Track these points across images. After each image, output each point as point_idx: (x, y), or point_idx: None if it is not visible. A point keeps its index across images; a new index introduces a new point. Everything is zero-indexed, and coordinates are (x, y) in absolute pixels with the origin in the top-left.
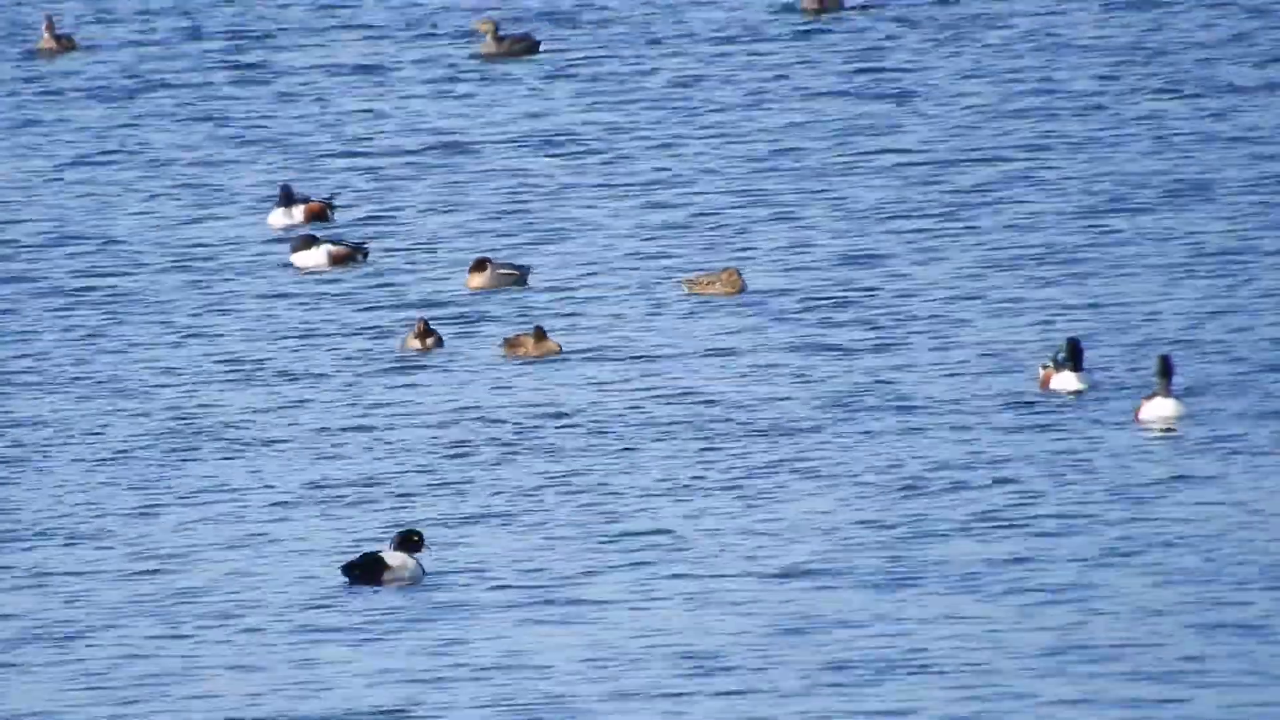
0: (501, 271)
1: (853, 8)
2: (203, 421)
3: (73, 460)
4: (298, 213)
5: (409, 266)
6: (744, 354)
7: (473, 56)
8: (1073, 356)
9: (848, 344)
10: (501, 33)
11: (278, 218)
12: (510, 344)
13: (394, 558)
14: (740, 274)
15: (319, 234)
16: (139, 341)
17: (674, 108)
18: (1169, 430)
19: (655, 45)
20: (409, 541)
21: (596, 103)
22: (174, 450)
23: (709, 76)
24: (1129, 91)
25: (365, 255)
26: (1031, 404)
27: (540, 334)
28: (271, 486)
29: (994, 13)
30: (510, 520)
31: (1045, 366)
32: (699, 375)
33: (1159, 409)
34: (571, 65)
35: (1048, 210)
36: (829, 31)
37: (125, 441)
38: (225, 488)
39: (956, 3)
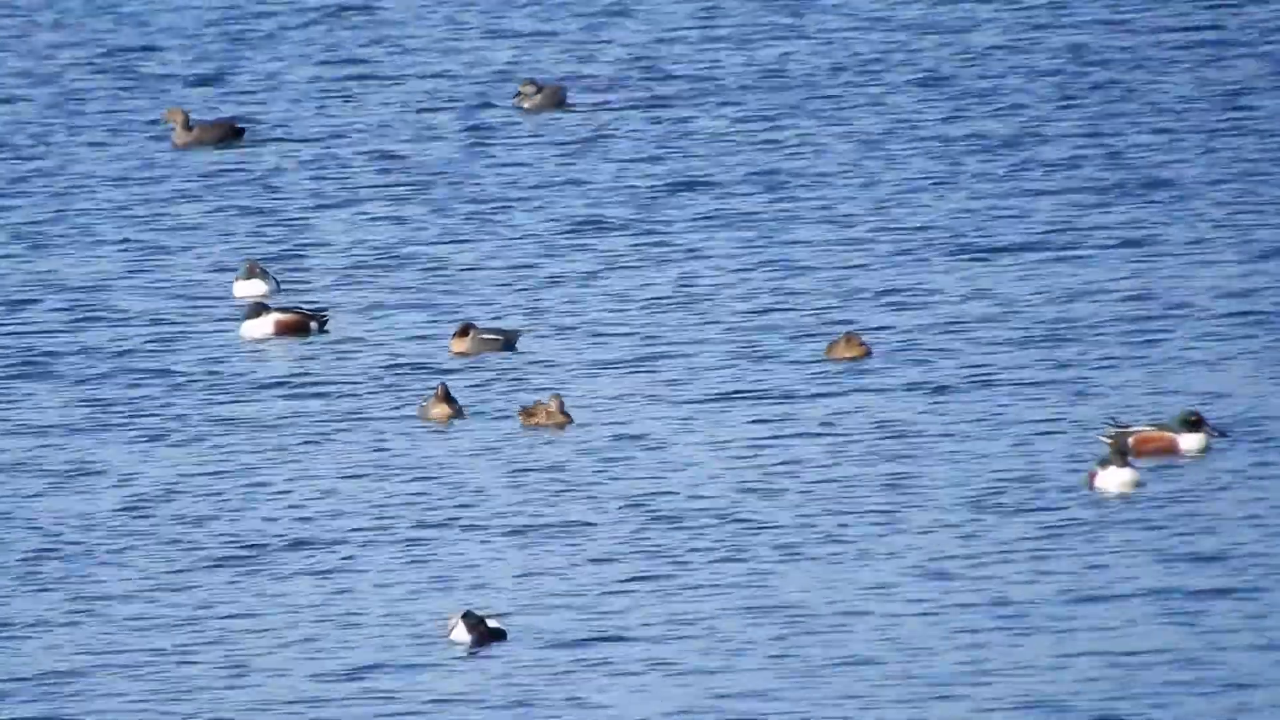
0: (484, 337)
1: (573, 103)
2: (236, 510)
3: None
4: (270, 282)
5: (369, 334)
6: (782, 420)
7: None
8: (1198, 421)
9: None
10: (193, 121)
11: (244, 288)
12: (528, 413)
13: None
14: (861, 339)
15: (271, 303)
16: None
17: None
18: (1124, 497)
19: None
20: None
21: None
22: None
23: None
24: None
25: (323, 323)
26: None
27: (558, 403)
28: (327, 571)
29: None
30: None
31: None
32: (712, 449)
33: (1115, 478)
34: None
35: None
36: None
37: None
38: (287, 569)
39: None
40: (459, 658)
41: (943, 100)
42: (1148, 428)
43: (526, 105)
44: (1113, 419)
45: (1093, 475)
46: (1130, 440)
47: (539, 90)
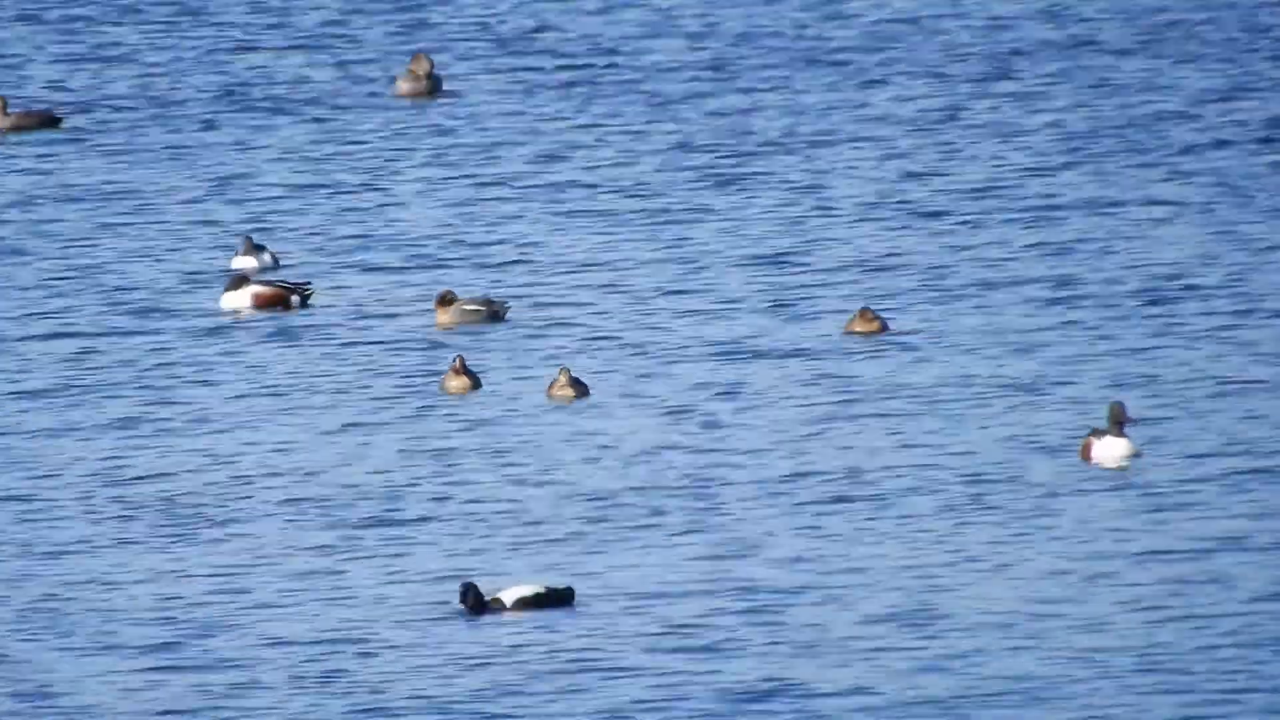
0: (467, 308)
1: (450, 91)
2: (259, 473)
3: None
4: (266, 257)
5: (353, 305)
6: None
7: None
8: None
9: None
10: (11, 108)
11: (240, 263)
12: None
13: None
14: (874, 313)
15: (254, 275)
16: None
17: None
18: (1121, 469)
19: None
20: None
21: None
22: (239, 504)
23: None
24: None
25: (306, 297)
26: None
27: (567, 375)
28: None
29: None
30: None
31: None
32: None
33: (1111, 448)
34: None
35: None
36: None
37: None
38: (313, 543)
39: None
40: (475, 625)
41: (959, 69)
42: None
43: (404, 88)
44: None
45: (1088, 446)
46: None
47: (420, 75)
